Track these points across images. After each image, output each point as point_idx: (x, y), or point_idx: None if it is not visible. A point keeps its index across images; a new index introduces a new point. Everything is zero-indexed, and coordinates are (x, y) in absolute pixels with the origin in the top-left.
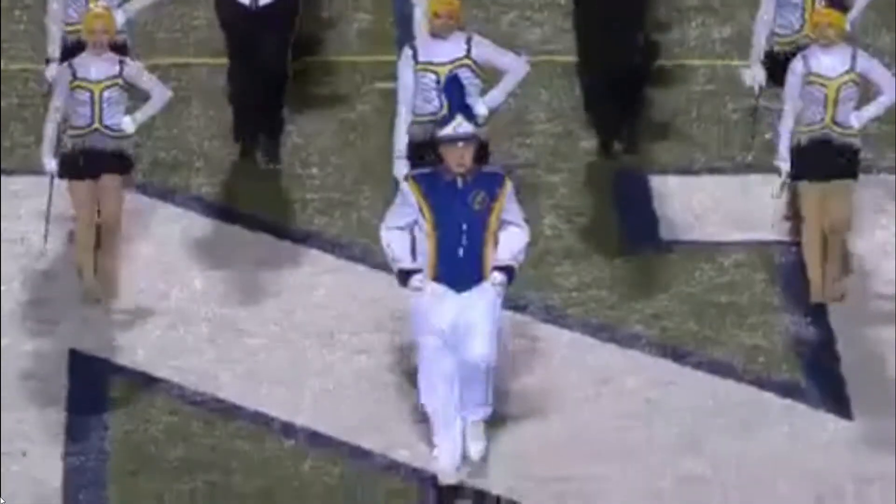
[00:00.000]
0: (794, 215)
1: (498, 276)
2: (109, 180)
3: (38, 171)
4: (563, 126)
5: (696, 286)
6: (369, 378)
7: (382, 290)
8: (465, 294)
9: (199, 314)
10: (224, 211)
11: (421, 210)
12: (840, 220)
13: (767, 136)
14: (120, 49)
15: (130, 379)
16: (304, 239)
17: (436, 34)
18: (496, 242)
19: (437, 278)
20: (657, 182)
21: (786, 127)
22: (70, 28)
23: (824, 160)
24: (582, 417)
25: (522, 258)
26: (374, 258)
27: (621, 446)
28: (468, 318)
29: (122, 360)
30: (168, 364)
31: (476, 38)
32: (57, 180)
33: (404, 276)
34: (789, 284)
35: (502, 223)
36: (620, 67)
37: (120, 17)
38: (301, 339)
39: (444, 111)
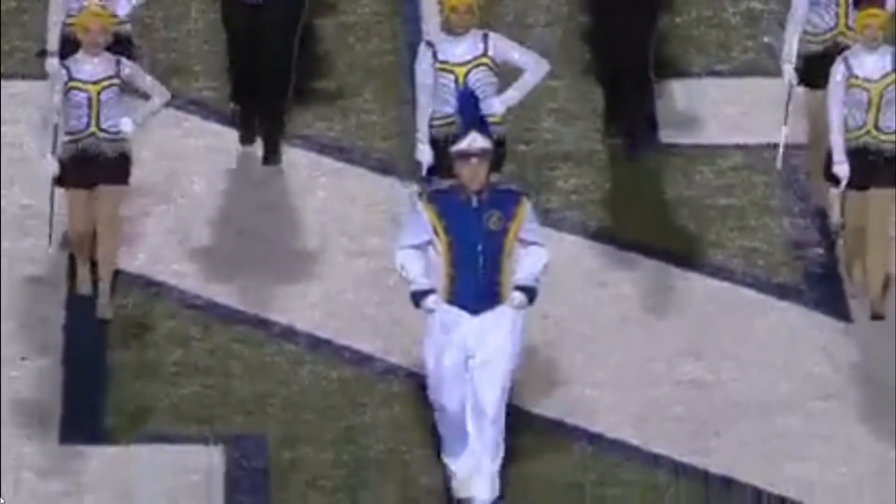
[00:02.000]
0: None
1: (518, 297)
2: (108, 191)
3: (36, 75)
4: (563, 30)
5: (696, 189)
6: (368, 282)
7: (382, 193)
8: (482, 317)
9: (199, 218)
10: (224, 114)
11: (435, 230)
12: (880, 230)
13: (766, 38)
14: (124, 41)
15: (129, 283)
16: (304, 142)
17: (452, 30)
18: (514, 263)
19: (452, 301)
20: (657, 85)
21: (838, 132)
22: (71, 21)
23: (865, 167)
24: (580, 321)
25: (543, 279)
26: (373, 161)
27: (620, 349)
28: (484, 346)
29: (121, 264)
30: (167, 268)
31: (493, 35)
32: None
33: (418, 297)
34: (788, 187)
35: (522, 242)
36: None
37: (124, 5)
38: (300, 243)
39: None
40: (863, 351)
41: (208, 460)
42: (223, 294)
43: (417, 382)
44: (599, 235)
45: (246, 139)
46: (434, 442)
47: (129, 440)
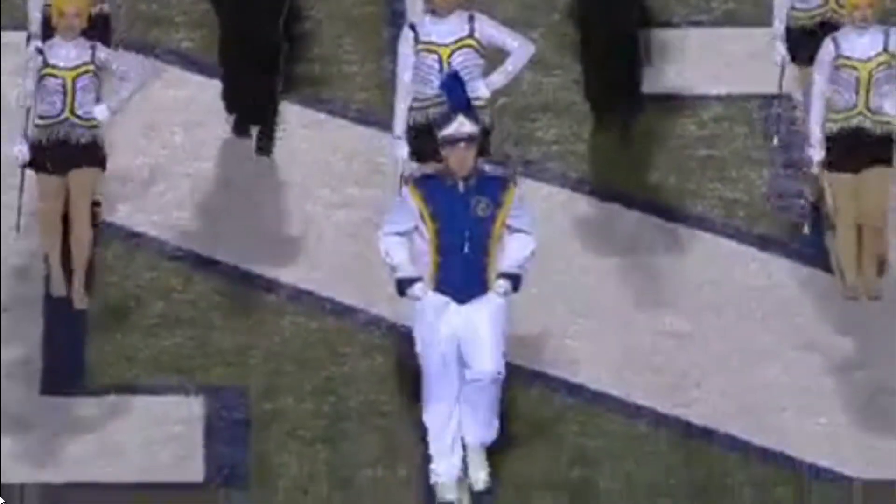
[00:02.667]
0: (819, 201)
1: (503, 285)
2: (81, 175)
3: (17, 26)
4: None
5: (676, 140)
6: (350, 233)
7: (362, 144)
8: (469, 305)
9: (180, 170)
10: (204, 66)
11: (422, 216)
12: (874, 209)
13: None
14: (103, 21)
15: (109, 234)
16: (285, 92)
17: (436, 11)
18: (501, 250)
19: (439, 288)
20: (637, 35)
21: (817, 115)
22: (49, 1)
23: (857, 150)
24: (560, 273)
25: (529, 266)
26: (353, 112)
27: (601, 300)
28: (472, 332)
29: (103, 215)
30: (148, 220)
31: (479, 16)
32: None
33: (404, 285)
34: (769, 138)
35: (509, 229)
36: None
37: None
38: (281, 194)
39: (442, 98)
40: (842, 301)
41: (189, 411)
42: (204, 246)
43: (399, 334)
44: (579, 186)
45: (240, 130)
46: (415, 392)
47: (110, 391)
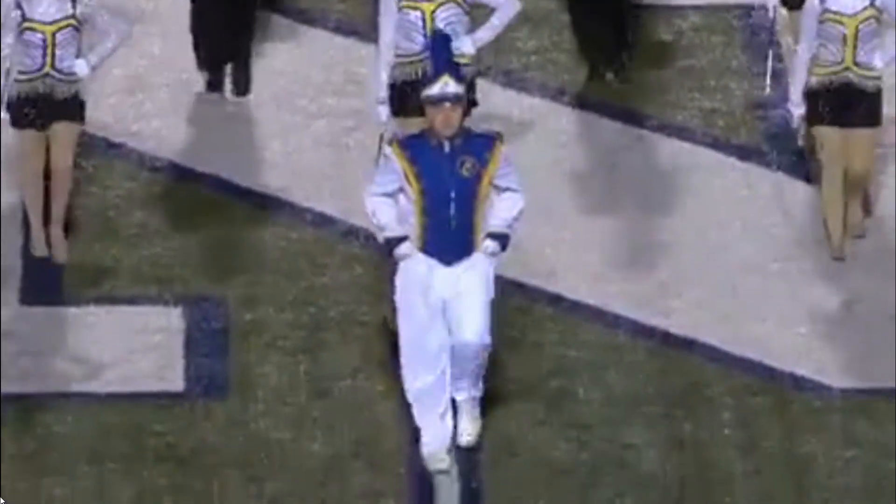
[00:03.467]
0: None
1: (490, 245)
2: (61, 129)
3: None
4: None
5: (655, 50)
6: (328, 143)
7: (341, 54)
8: (455, 266)
9: (159, 80)
10: None
11: (406, 177)
12: (861, 171)
13: None
14: None
15: (89, 144)
16: (261, 4)
17: None
18: (489, 210)
19: (425, 250)
20: None
21: (800, 69)
22: None
23: (844, 105)
24: (541, 182)
25: (517, 226)
26: (332, 22)
27: (580, 211)
28: (459, 294)
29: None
30: (127, 130)
31: None
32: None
33: (392, 244)
34: (748, 48)
35: (496, 188)
36: None
37: None
38: (260, 104)
39: (427, 54)
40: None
41: (168, 321)
42: (183, 155)
43: (378, 244)
44: (559, 96)
45: (213, 85)
46: (393, 305)
47: (89, 301)
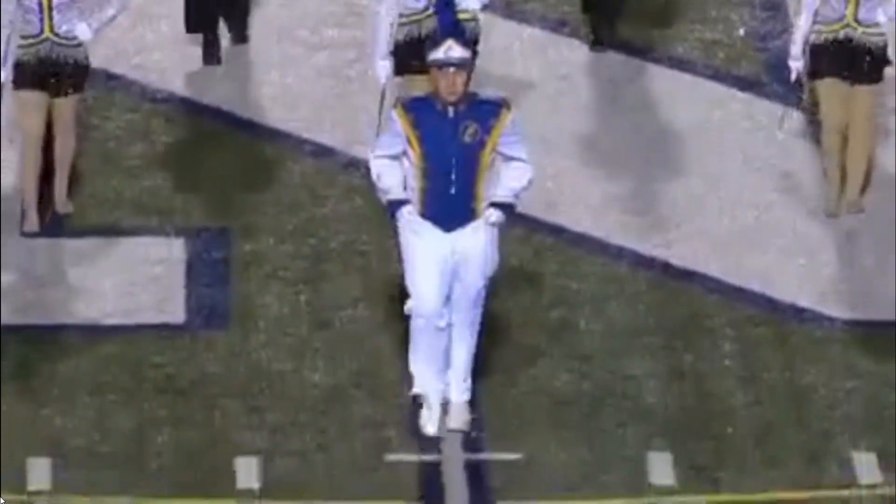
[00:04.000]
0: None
1: (494, 214)
2: (64, 104)
3: None
4: None
5: None
6: (329, 74)
7: None
8: (456, 233)
9: (160, 11)
10: None
11: (409, 140)
12: (862, 128)
13: None
14: None
15: (90, 77)
16: None
17: None
18: (494, 178)
19: (426, 215)
20: None
21: (802, 24)
22: None
23: (846, 61)
24: (542, 114)
25: (523, 196)
26: None
27: (581, 142)
28: (457, 262)
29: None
30: (128, 62)
31: None
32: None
33: (394, 207)
34: None
35: (503, 157)
36: None
37: None
38: (261, 36)
39: (431, 11)
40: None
41: (169, 252)
42: (184, 88)
43: None
44: (560, 28)
45: (209, 57)
46: (394, 235)
47: (91, 233)
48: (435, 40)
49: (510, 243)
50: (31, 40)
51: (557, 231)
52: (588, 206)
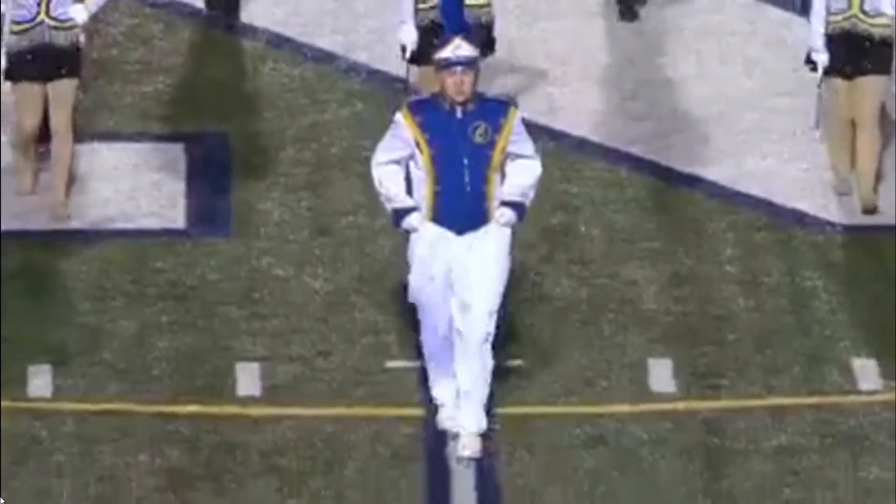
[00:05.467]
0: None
1: (506, 214)
2: (60, 87)
3: None
4: None
5: None
6: None
7: None
8: (468, 236)
9: None
10: None
11: (417, 144)
12: (868, 118)
13: None
14: None
15: None
16: None
17: None
18: (502, 178)
19: (436, 219)
20: None
21: (818, 15)
22: None
23: (852, 53)
24: (542, 19)
25: (533, 194)
26: None
27: (582, 48)
28: (469, 269)
29: None
30: None
31: None
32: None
33: (400, 216)
34: None
35: (510, 156)
36: None
37: None
38: None
39: (436, 2)
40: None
41: (170, 158)
42: None
43: (380, 79)
44: None
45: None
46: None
47: (91, 138)
48: (442, 40)
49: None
50: (25, 25)
51: (558, 136)
52: (589, 112)
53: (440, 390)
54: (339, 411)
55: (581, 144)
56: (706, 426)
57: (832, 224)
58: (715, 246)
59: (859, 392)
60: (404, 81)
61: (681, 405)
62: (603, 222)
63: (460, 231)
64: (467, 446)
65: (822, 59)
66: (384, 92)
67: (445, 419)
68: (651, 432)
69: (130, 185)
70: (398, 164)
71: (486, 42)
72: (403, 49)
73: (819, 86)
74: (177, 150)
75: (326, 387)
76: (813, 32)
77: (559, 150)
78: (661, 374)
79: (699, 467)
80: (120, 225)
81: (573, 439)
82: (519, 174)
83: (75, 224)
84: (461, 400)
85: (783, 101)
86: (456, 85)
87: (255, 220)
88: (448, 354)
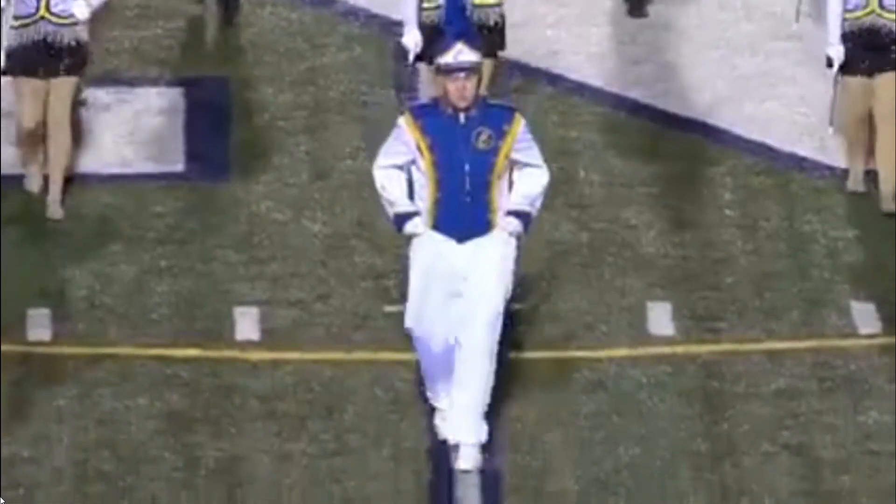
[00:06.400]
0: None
1: (512, 223)
2: (61, 85)
3: None
4: None
5: None
6: None
7: None
8: (470, 244)
9: None
10: None
11: (419, 148)
12: (887, 114)
13: None
14: None
15: None
16: None
17: None
18: (509, 187)
19: (437, 226)
20: None
21: (833, 10)
22: None
23: (871, 49)
24: None
25: (540, 204)
26: None
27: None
28: (471, 279)
29: None
30: None
31: None
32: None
33: (401, 220)
34: None
35: (517, 164)
36: None
37: None
38: None
39: (441, 2)
40: None
41: (168, 103)
42: None
43: (378, 24)
44: None
45: None
46: (395, 83)
47: (90, 83)
48: (444, 44)
49: (510, 94)
50: (25, 20)
51: (557, 80)
52: (588, 55)
53: (441, 401)
54: (338, 355)
55: (580, 88)
56: (705, 370)
57: (831, 168)
58: (714, 190)
59: (858, 336)
60: (408, 81)
61: (680, 349)
62: (602, 167)
63: (461, 239)
64: (467, 459)
65: (837, 52)
66: (383, 36)
67: (446, 428)
68: (650, 376)
69: (129, 130)
70: (400, 169)
71: (496, 42)
72: (406, 53)
73: (836, 81)
74: (176, 95)
75: (325, 331)
76: (829, 27)
77: (558, 93)
78: (660, 318)
79: (698, 410)
80: (119, 169)
81: (573, 383)
82: (526, 183)
83: (73, 168)
84: (460, 411)
85: (783, 46)
86: (458, 91)
87: (253, 165)
88: (446, 368)
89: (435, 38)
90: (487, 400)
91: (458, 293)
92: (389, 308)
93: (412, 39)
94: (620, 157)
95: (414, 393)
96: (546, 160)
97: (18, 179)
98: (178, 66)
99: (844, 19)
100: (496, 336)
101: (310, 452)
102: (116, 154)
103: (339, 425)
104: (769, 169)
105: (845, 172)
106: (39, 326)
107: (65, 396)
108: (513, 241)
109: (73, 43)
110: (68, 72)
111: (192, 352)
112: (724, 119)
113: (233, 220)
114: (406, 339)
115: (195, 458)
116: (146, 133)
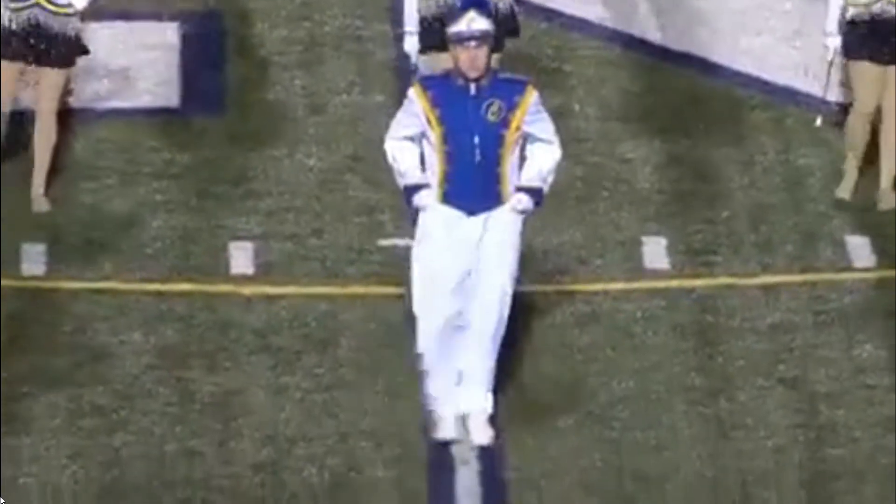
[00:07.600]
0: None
1: (523, 199)
2: (47, 74)
3: None
4: None
5: None
6: None
7: None
8: (480, 217)
9: None
10: None
11: (428, 120)
12: (893, 108)
13: None
14: None
15: None
16: None
17: None
18: (520, 160)
19: (447, 200)
20: None
21: (836, 3)
22: None
23: (880, 38)
24: None
25: (552, 179)
26: None
27: None
28: (481, 254)
29: None
30: None
31: None
32: None
33: (411, 192)
34: None
35: (529, 138)
36: None
37: None
38: None
39: None
40: None
41: (163, 37)
42: None
43: None
44: None
45: None
46: (391, 17)
47: (84, 18)
48: (455, 12)
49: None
50: (19, 4)
51: (552, 15)
52: None
53: (437, 382)
54: (333, 290)
55: (575, 23)
56: (700, 303)
57: (826, 102)
58: (709, 124)
59: (853, 269)
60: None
61: (674, 282)
62: (597, 101)
63: (471, 212)
64: (478, 433)
65: (834, 43)
66: None
67: (442, 432)
68: (645, 310)
69: (124, 64)
70: (412, 141)
71: (510, 29)
72: (407, 57)
73: (829, 70)
74: (171, 29)
75: (320, 265)
76: (829, 16)
77: (553, 28)
78: (655, 252)
79: (693, 344)
80: (114, 104)
81: (567, 317)
82: (538, 158)
83: (69, 103)
84: (465, 383)
85: None
86: (469, 60)
87: (248, 99)
88: (448, 340)
89: (439, 29)
90: (492, 373)
91: (469, 266)
92: (384, 242)
93: (413, 47)
94: (616, 91)
95: (408, 327)
96: (541, 94)
97: (13, 115)
98: (173, 0)
99: (855, 5)
100: (506, 311)
101: (304, 386)
102: (112, 88)
103: (333, 359)
104: (764, 103)
105: (841, 106)
106: (34, 261)
107: (59, 331)
108: (520, 224)
109: (66, 34)
110: (58, 63)
111: (187, 286)
112: (720, 53)
113: (227, 154)
114: (400, 273)
115: (190, 392)
116: (141, 67)
